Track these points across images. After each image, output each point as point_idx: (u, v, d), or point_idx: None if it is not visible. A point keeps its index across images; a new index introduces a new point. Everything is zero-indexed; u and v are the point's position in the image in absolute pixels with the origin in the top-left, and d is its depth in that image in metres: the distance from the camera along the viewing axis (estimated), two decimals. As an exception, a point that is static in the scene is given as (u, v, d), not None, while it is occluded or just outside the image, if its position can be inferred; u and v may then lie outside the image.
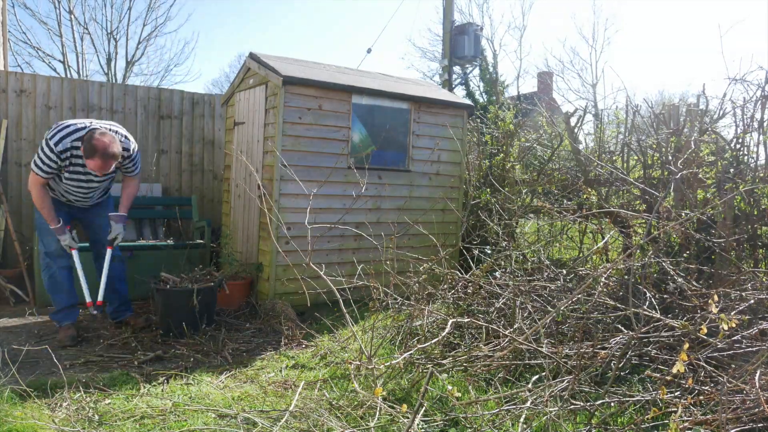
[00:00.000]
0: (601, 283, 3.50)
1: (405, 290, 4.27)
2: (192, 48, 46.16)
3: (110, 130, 3.99)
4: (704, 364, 2.83)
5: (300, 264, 5.00)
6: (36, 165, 3.86)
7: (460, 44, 11.11)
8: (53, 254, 4.14)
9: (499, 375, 3.25)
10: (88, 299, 4.17)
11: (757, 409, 2.37)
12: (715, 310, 2.31)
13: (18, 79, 5.87)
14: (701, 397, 2.65)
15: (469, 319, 3.59)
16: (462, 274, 4.49)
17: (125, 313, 4.50)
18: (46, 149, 3.83)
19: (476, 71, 17.88)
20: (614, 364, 2.83)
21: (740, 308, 3.06)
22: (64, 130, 3.87)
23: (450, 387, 2.36)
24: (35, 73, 13.04)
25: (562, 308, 3.53)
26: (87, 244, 4.52)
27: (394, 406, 2.85)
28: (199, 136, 6.85)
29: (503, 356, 3.26)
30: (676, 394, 2.75)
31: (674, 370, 2.16)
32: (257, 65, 5.11)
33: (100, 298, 4.17)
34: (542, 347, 3.14)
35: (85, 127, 3.90)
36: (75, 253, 4.15)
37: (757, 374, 2.44)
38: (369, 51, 12.70)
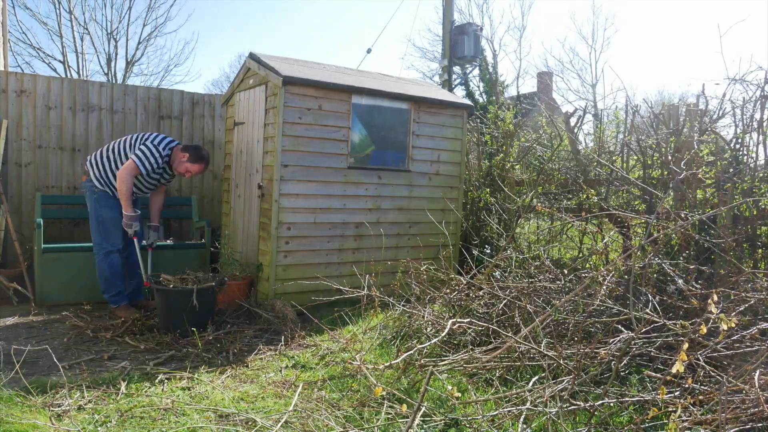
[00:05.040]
0: (602, 285, 3.50)
1: (405, 291, 4.28)
2: (192, 48, 46.29)
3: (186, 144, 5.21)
4: (704, 364, 2.83)
5: (300, 264, 5.01)
6: (140, 160, 4.68)
7: (459, 44, 11.10)
8: (113, 243, 4.83)
9: (499, 375, 3.25)
10: (145, 279, 4.94)
11: (756, 409, 2.37)
12: (714, 310, 2.31)
13: (18, 80, 5.87)
14: (701, 397, 2.65)
15: (468, 319, 3.59)
16: (462, 274, 4.49)
17: (140, 296, 5.14)
18: (154, 151, 4.73)
19: (476, 71, 17.88)
20: (614, 364, 2.83)
21: (740, 309, 3.06)
22: (164, 139, 4.86)
23: (449, 387, 2.36)
24: (35, 73, 13.04)
25: (559, 308, 3.54)
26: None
27: (394, 405, 2.85)
28: (199, 136, 6.85)
29: (503, 357, 3.26)
30: (676, 393, 2.75)
31: (674, 370, 2.16)
32: (257, 65, 5.12)
33: (145, 279, 4.94)
34: (542, 348, 3.14)
35: (173, 140, 4.95)
36: (136, 240, 4.89)
37: (757, 374, 2.44)
38: (369, 51, 12.69)
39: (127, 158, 4.74)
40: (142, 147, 4.73)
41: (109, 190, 4.79)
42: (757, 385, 2.39)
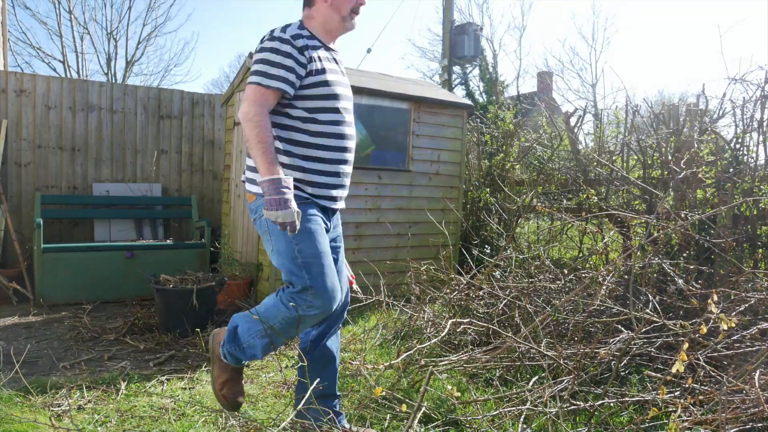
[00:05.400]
0: (602, 285, 3.50)
1: (405, 290, 4.28)
2: (192, 48, 46.27)
3: None
4: (704, 364, 2.83)
5: (300, 264, 5.00)
6: (258, 73, 2.34)
7: (459, 44, 11.09)
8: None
9: (499, 375, 3.25)
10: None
11: (756, 409, 2.37)
12: (715, 310, 2.31)
13: (18, 79, 5.87)
14: (701, 397, 2.65)
15: (468, 320, 3.59)
16: (462, 274, 4.49)
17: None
18: (274, 43, 2.39)
19: (476, 71, 17.87)
20: (614, 364, 2.83)
21: (740, 309, 3.06)
22: (280, 27, 2.45)
23: (449, 387, 2.36)
24: (35, 73, 13.02)
25: (560, 308, 3.54)
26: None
27: (394, 406, 2.85)
28: (199, 136, 6.85)
29: (503, 357, 3.26)
30: (676, 393, 2.75)
31: (673, 370, 2.16)
32: (257, 65, 5.11)
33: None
34: (542, 347, 3.14)
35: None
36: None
37: (757, 374, 2.44)
38: (369, 51, 12.67)
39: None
40: (257, 56, 2.37)
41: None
42: (757, 385, 2.39)
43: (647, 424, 2.55)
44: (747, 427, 2.41)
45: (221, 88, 34.37)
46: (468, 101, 6.16)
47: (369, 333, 4.18)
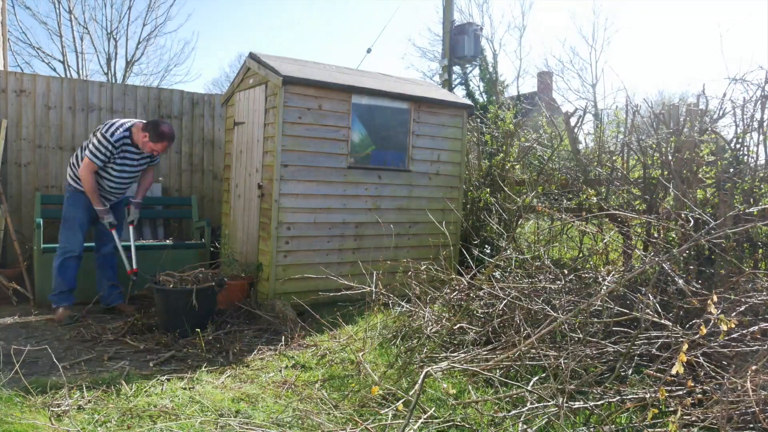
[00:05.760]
0: (603, 288, 3.50)
1: (405, 290, 4.27)
2: (192, 48, 46.19)
3: (147, 121, 4.76)
4: (704, 363, 2.83)
5: (300, 264, 5.00)
6: (93, 154, 4.57)
7: (459, 44, 11.09)
8: (70, 247, 4.73)
9: (499, 375, 3.25)
10: (128, 268, 4.88)
11: (756, 409, 2.37)
12: (714, 311, 2.31)
13: (18, 79, 5.87)
14: (700, 397, 2.65)
15: (468, 320, 3.59)
16: (462, 274, 4.49)
17: (117, 299, 5.01)
18: (102, 140, 4.56)
19: (476, 71, 17.87)
20: (618, 364, 2.83)
21: (740, 309, 3.06)
22: (115, 124, 4.65)
23: (444, 385, 2.36)
24: (35, 73, 13.03)
25: (563, 309, 3.53)
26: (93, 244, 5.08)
27: (394, 405, 2.85)
28: (199, 136, 6.85)
29: (503, 358, 3.25)
30: (677, 393, 2.75)
31: (673, 371, 2.16)
32: (257, 65, 5.11)
33: (134, 266, 4.90)
34: (542, 348, 3.14)
35: (129, 122, 4.71)
36: (115, 232, 4.84)
37: (756, 373, 2.44)
38: (369, 51, 12.66)
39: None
40: (93, 139, 4.62)
41: (82, 188, 4.73)
42: (754, 385, 2.39)
43: (646, 423, 2.55)
44: (747, 427, 2.41)
45: (221, 87, 34.39)
46: (468, 101, 6.16)
47: (369, 332, 4.18)
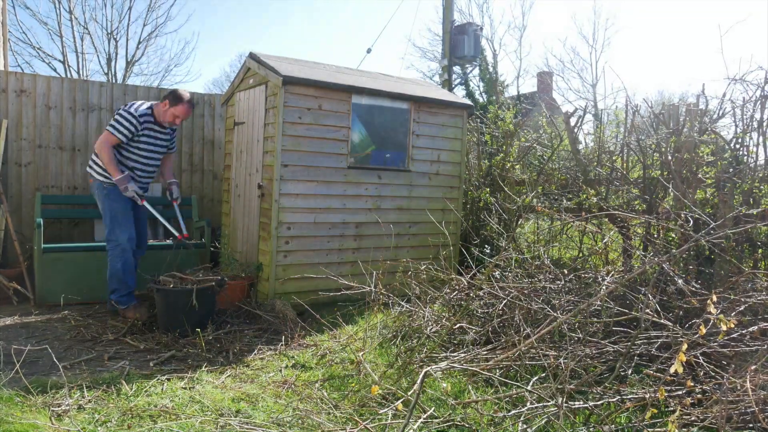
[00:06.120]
0: (603, 288, 3.51)
1: (405, 290, 4.28)
2: (192, 48, 46.24)
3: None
4: (704, 363, 2.83)
5: (300, 264, 5.01)
6: (114, 128, 4.56)
7: (459, 44, 11.10)
8: (126, 244, 4.69)
9: (499, 375, 3.25)
10: (177, 234, 4.98)
11: (756, 408, 2.37)
12: (714, 311, 2.31)
13: (18, 79, 5.87)
14: (699, 397, 2.65)
15: (468, 320, 3.59)
16: (462, 274, 4.49)
17: (129, 302, 4.78)
18: (126, 114, 4.58)
19: (476, 71, 17.89)
20: (618, 364, 2.83)
21: (740, 309, 3.06)
22: (137, 103, 4.72)
23: (444, 385, 2.36)
24: (35, 73, 13.04)
25: (564, 309, 3.54)
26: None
27: (394, 405, 2.85)
28: (199, 136, 6.85)
29: (503, 357, 3.26)
30: (677, 393, 2.75)
31: (673, 370, 2.16)
32: (257, 65, 5.12)
33: (184, 232, 5.07)
34: (542, 348, 3.14)
35: (149, 102, 4.80)
36: (146, 203, 4.83)
37: (756, 373, 2.44)
38: (369, 51, 12.70)
39: None
40: (115, 116, 4.63)
41: (111, 179, 4.65)
42: (753, 384, 2.39)
43: (647, 422, 2.55)
44: (746, 426, 2.41)
45: (222, 87, 34.40)
46: (468, 101, 6.16)
47: (369, 332, 4.18)
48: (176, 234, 4.95)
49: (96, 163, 4.74)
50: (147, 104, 4.75)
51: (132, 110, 4.60)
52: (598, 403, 2.70)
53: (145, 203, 4.79)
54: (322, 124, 4.99)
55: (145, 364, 3.72)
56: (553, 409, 2.57)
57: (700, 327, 2.38)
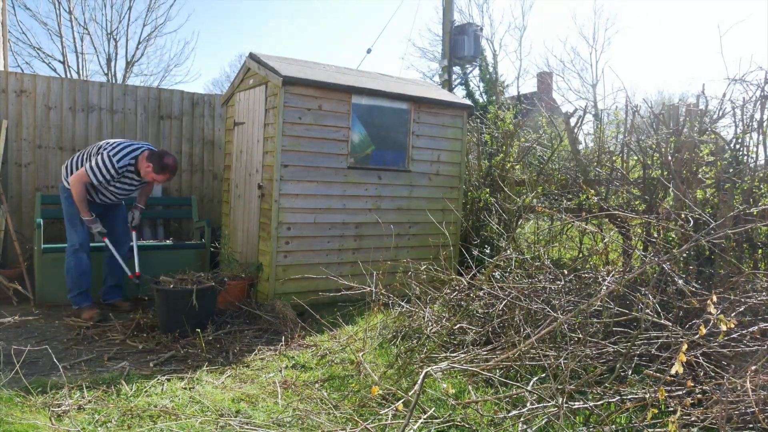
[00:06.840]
0: (603, 288, 3.50)
1: (405, 291, 4.27)
2: (192, 48, 46.00)
3: (154, 150, 4.79)
4: (704, 364, 2.83)
5: (300, 264, 5.01)
6: (92, 171, 4.57)
7: (459, 44, 11.09)
8: (83, 245, 4.77)
9: (499, 375, 3.25)
10: (129, 273, 4.91)
11: (755, 409, 2.37)
12: (714, 311, 2.31)
13: (18, 80, 5.87)
14: (700, 397, 2.65)
15: (468, 320, 3.59)
16: (462, 274, 4.49)
17: (116, 296, 5.06)
18: (107, 163, 4.57)
19: (476, 71, 17.89)
20: (618, 364, 2.83)
21: (740, 309, 3.06)
22: (124, 150, 4.66)
23: (444, 386, 2.36)
24: (35, 73, 13.04)
25: (563, 321, 3.54)
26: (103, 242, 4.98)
27: (393, 405, 2.85)
28: (199, 136, 6.85)
29: (503, 358, 3.26)
30: (677, 394, 2.75)
31: (673, 371, 2.16)
32: (257, 65, 5.12)
33: (137, 270, 4.93)
34: (543, 348, 3.14)
35: (138, 149, 4.72)
36: (107, 240, 4.83)
37: (756, 374, 2.44)
38: (369, 51, 12.71)
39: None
40: (97, 157, 4.61)
41: None
42: (757, 385, 2.39)
43: (646, 423, 2.55)
44: (746, 426, 2.41)
45: (222, 88, 34.39)
46: (468, 101, 6.16)
47: (369, 333, 4.18)
48: (128, 272, 4.90)
49: (69, 171, 4.77)
50: (134, 153, 4.68)
51: (114, 160, 4.57)
52: (599, 403, 2.70)
53: (106, 240, 4.81)
54: (322, 125, 4.99)
55: (145, 364, 3.72)
56: (553, 409, 2.57)
57: (700, 327, 2.38)
